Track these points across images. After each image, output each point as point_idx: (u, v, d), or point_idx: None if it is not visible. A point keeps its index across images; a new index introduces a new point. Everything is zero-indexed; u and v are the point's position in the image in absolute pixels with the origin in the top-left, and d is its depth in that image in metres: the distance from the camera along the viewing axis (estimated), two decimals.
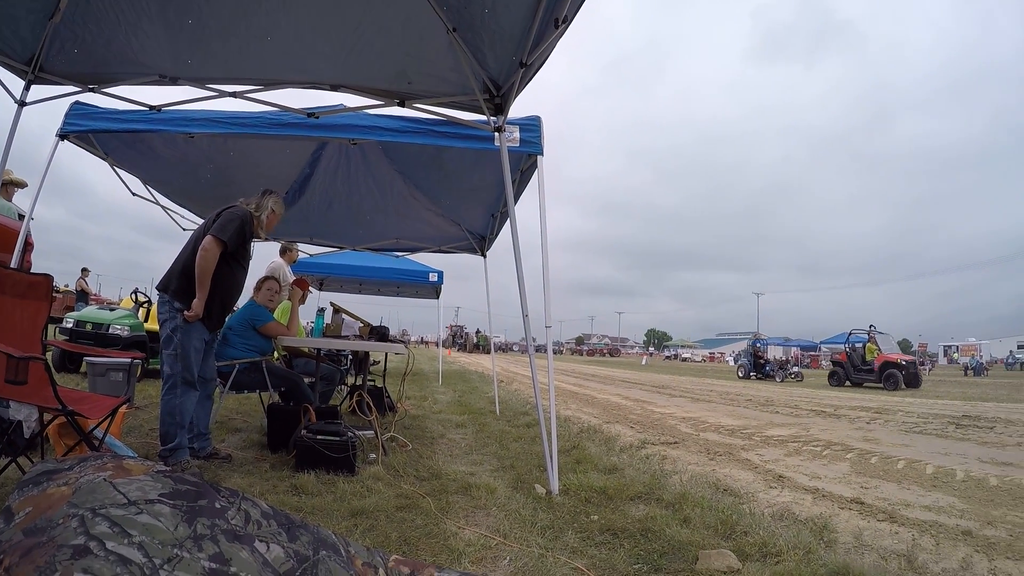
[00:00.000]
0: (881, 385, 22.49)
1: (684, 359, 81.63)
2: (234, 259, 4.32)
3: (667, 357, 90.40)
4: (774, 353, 37.37)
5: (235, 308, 5.44)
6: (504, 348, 77.40)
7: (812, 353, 62.41)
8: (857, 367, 24.09)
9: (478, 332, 63.63)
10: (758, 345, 33.48)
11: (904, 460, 6.38)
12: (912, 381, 22.30)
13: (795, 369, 31.54)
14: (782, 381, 28.16)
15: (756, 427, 9.10)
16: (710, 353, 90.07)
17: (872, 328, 25.30)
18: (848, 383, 24.12)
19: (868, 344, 24.41)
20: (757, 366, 30.92)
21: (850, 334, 25.97)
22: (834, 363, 26.26)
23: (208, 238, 4.09)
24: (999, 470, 5.97)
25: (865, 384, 23.60)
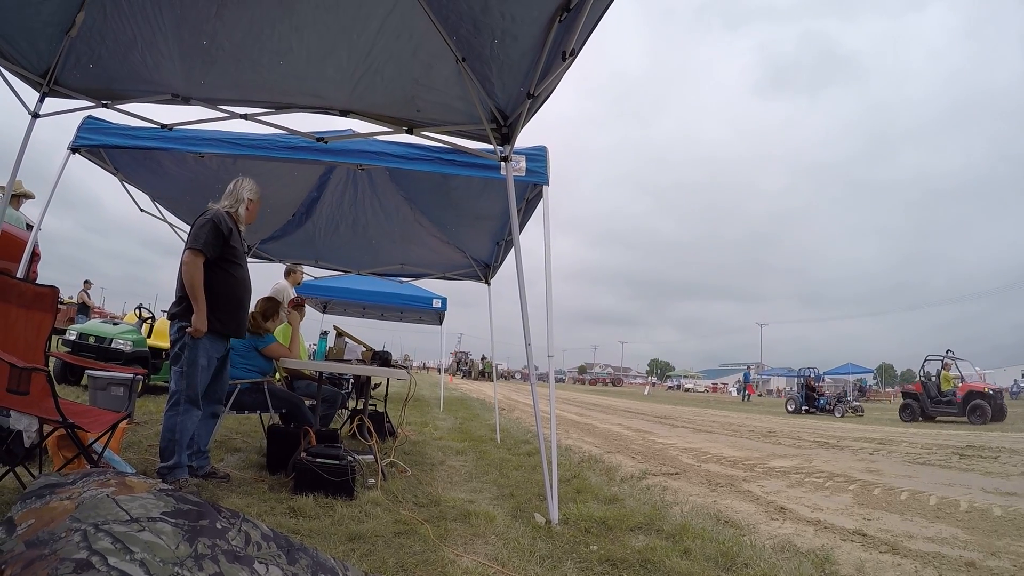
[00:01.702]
0: (964, 419, 19.47)
1: (687, 389, 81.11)
2: (226, 261, 4.28)
3: (670, 387, 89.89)
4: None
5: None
6: (506, 376, 76.90)
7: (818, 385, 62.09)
8: (934, 398, 20.98)
9: (484, 359, 62.14)
10: (811, 375, 29.56)
11: (907, 491, 6.33)
12: (998, 414, 19.46)
13: (855, 402, 27.88)
14: (842, 416, 24.62)
15: (758, 458, 9.04)
16: (712, 383, 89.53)
17: (949, 353, 22.32)
18: (921, 417, 20.97)
19: (943, 372, 21.41)
20: (810, 399, 27.52)
21: (926, 360, 22.43)
22: (906, 395, 22.69)
23: (185, 253, 4.10)
24: (1003, 500, 5.93)
25: (942, 418, 20.71)
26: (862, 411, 26.49)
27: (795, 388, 30.86)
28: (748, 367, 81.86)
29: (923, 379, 22.01)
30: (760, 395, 60.08)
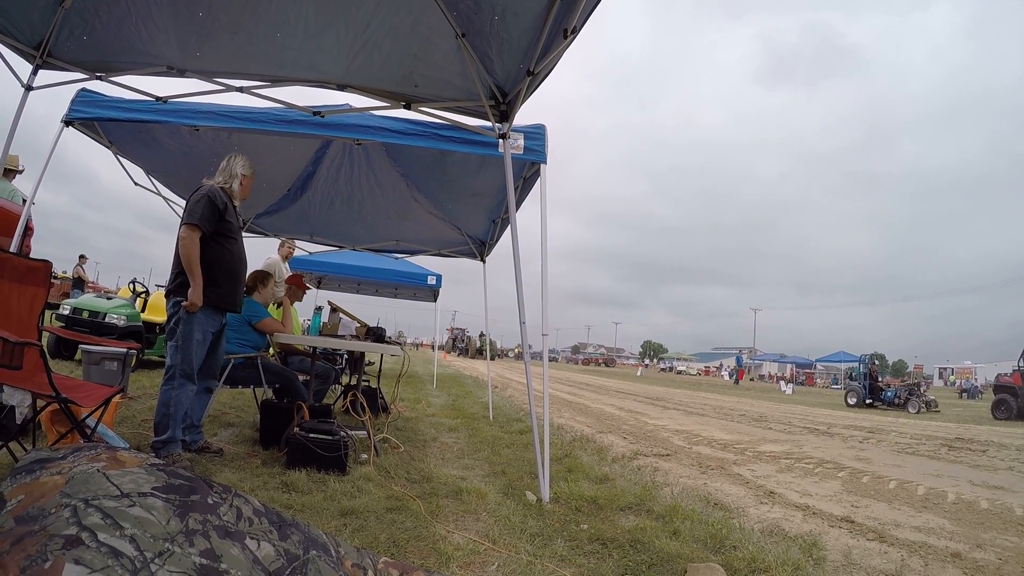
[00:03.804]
0: None
1: (679, 372, 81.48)
2: (221, 235, 4.29)
3: (662, 369, 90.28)
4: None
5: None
6: (500, 354, 76.83)
7: (807, 370, 62.52)
8: None
9: (482, 336, 60.47)
10: (875, 363, 26.15)
11: (895, 480, 6.39)
12: None
13: (929, 396, 23.85)
14: (917, 412, 21.13)
15: (749, 442, 9.10)
16: (705, 367, 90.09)
17: None
18: (1016, 415, 18.75)
19: None
20: (874, 391, 24.10)
21: None
22: (1000, 389, 20.21)
23: (181, 228, 4.11)
24: (990, 493, 5.99)
25: None
26: (937, 406, 23.21)
27: (855, 380, 26.80)
28: (741, 351, 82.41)
29: (1022, 369, 19.61)
30: (752, 379, 60.51)
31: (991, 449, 9.81)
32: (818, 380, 58.17)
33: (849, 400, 24.85)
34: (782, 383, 44.06)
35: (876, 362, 26.45)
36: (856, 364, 26.14)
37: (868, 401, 23.84)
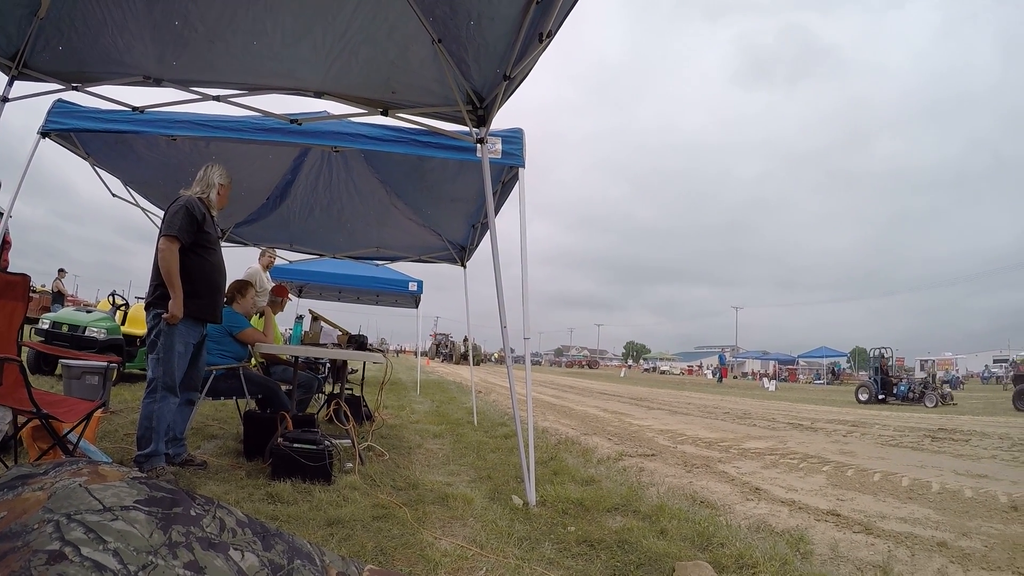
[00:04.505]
0: None
1: (663, 372, 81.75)
2: (200, 246, 4.27)
3: (646, 370, 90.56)
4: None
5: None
6: (484, 359, 76.66)
7: (790, 367, 63.07)
8: None
9: (466, 340, 59.37)
10: (885, 356, 24.47)
11: (880, 473, 6.45)
12: None
13: (947, 389, 22.89)
14: (935, 406, 20.13)
15: (733, 440, 9.15)
16: (688, 366, 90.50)
17: None
18: None
19: None
20: (886, 386, 22.89)
21: None
22: (1020, 378, 19.72)
23: (160, 240, 4.09)
24: (974, 482, 6.06)
25: None
26: (953, 399, 22.18)
27: (869, 375, 25.43)
28: (723, 350, 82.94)
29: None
30: (735, 377, 60.93)
31: (974, 439, 9.93)
32: (801, 376, 58.62)
33: (860, 396, 23.43)
34: (765, 380, 44.42)
35: (887, 355, 24.56)
36: (839, 359, 25.65)
37: (880, 397, 22.65)
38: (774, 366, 62.80)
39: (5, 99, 4.64)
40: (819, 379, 51.90)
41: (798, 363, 65.49)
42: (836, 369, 53.74)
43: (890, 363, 24.25)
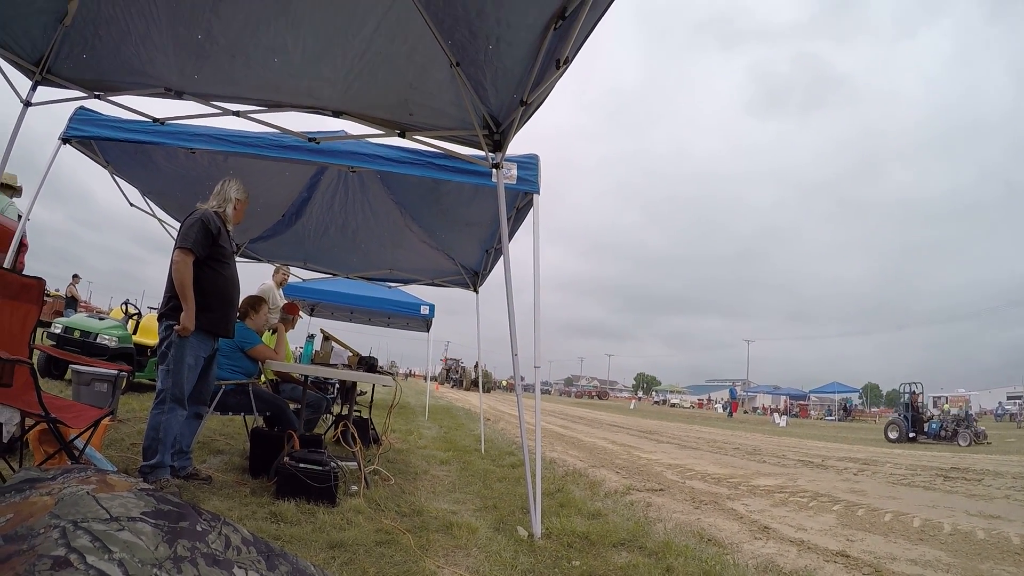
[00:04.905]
0: None
1: (672, 404, 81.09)
2: (214, 260, 4.30)
3: (656, 402, 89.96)
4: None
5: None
6: (494, 385, 76.23)
7: (801, 402, 62.51)
8: None
9: (476, 367, 58.13)
10: (916, 392, 23.72)
11: (891, 512, 6.34)
12: None
13: (980, 427, 21.76)
14: (968, 444, 19.61)
15: (743, 476, 9.04)
16: (699, 399, 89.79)
17: None
18: None
19: None
20: (917, 423, 22.16)
21: None
22: None
23: (175, 252, 4.12)
24: (987, 523, 5.96)
25: None
26: (987, 437, 21.23)
27: (898, 412, 24.44)
28: (734, 383, 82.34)
29: None
30: (746, 412, 60.39)
31: (987, 478, 9.78)
32: (812, 412, 58.04)
33: (890, 434, 22.69)
34: (776, 415, 43.97)
35: (917, 391, 23.73)
36: (850, 394, 24.92)
37: (911, 435, 21.88)
38: (785, 401, 62.21)
39: (28, 104, 4.72)
40: (830, 415, 51.40)
41: (809, 398, 64.94)
42: (848, 405, 53.17)
43: (921, 399, 23.58)
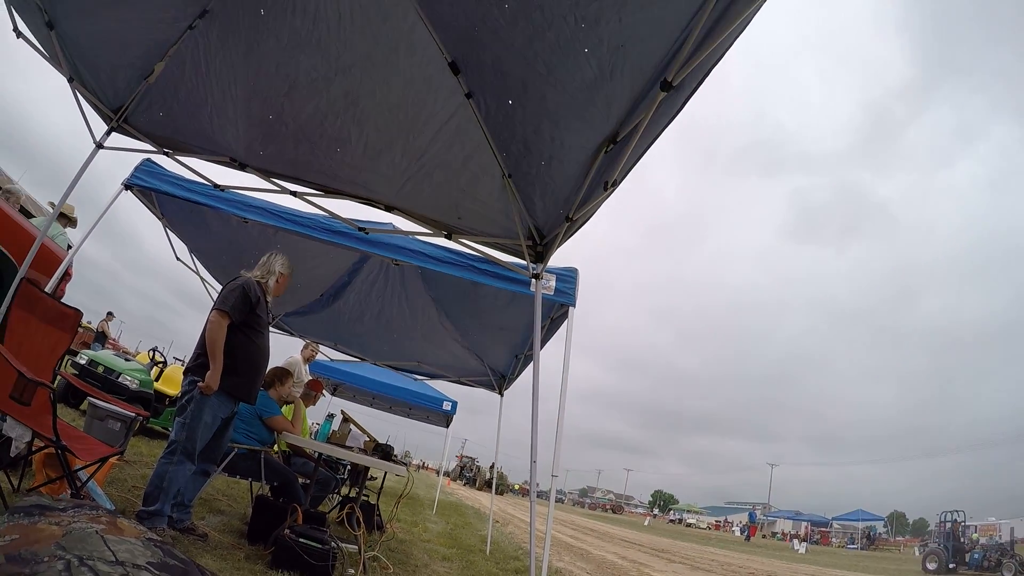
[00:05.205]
0: None
1: (689, 524, 77.90)
2: (249, 327, 4.40)
3: (671, 520, 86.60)
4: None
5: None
6: (506, 489, 74.31)
7: (823, 529, 59.75)
8: None
9: (492, 467, 56.50)
10: (958, 520, 22.70)
11: None
12: None
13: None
14: (1014, 575, 18.68)
15: None
16: (716, 521, 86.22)
17: None
18: None
19: None
20: (958, 553, 21.13)
21: None
22: None
23: (212, 312, 4.25)
24: None
25: None
26: None
27: (938, 541, 23.13)
28: (754, 507, 79.24)
29: None
30: (764, 536, 57.92)
31: None
32: (834, 539, 55.41)
33: (929, 565, 21.41)
34: (795, 541, 42.14)
35: (959, 519, 22.50)
36: (875, 522, 23.36)
37: (951, 566, 20.48)
38: (806, 527, 59.58)
39: (100, 146, 5.00)
40: (853, 543, 49.17)
41: (832, 525, 62.20)
42: (872, 533, 50.74)
43: (963, 529, 22.24)
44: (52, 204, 7.10)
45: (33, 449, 3.57)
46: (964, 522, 22.95)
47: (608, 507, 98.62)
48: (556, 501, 4.78)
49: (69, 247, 6.30)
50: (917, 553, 40.18)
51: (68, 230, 6.99)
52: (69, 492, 3.23)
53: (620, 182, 3.59)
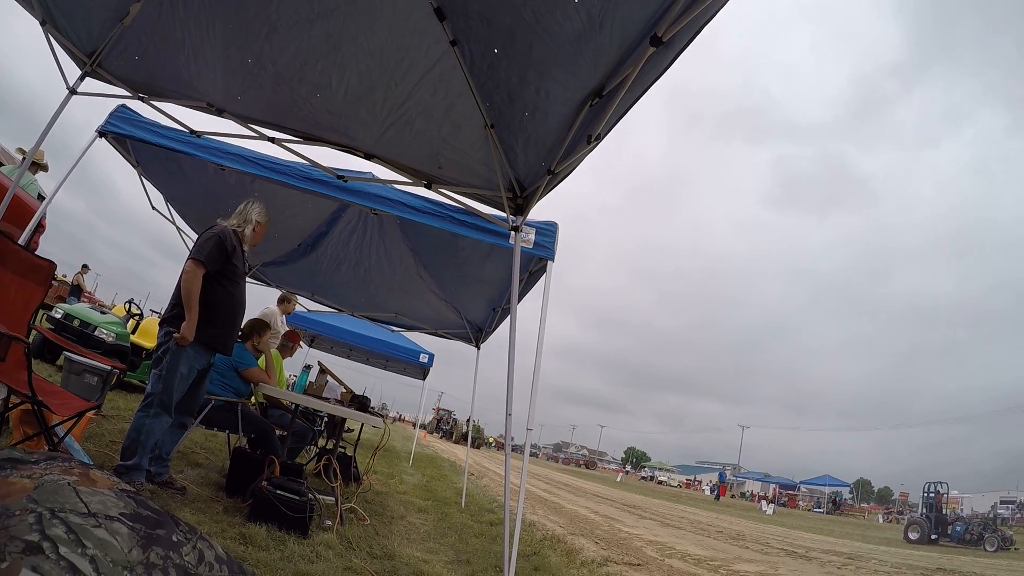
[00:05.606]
0: None
1: (660, 482, 79.66)
2: (225, 277, 4.34)
3: (643, 477, 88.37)
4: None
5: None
6: (482, 442, 75.15)
7: (791, 492, 61.48)
8: None
9: (469, 421, 57.15)
10: (941, 492, 22.87)
11: None
12: None
13: (1008, 532, 20.75)
14: (995, 550, 18.63)
15: (723, 560, 8.89)
16: (687, 479, 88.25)
17: None
18: None
19: None
20: (940, 524, 21.19)
21: None
22: None
23: (187, 261, 4.17)
24: None
25: None
26: (1014, 542, 20.13)
27: (920, 513, 23.28)
28: (724, 467, 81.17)
29: None
30: (733, 496, 59.45)
31: None
32: (801, 503, 57.08)
33: (910, 535, 21.40)
34: (763, 503, 43.27)
35: (943, 491, 22.76)
36: (841, 488, 24.12)
37: (933, 537, 20.75)
38: (774, 489, 61.24)
39: (74, 92, 4.83)
40: (819, 507, 50.68)
41: (799, 489, 64.01)
42: (837, 499, 52.34)
43: (946, 500, 22.72)
44: (22, 151, 6.88)
45: (9, 406, 3.50)
46: (947, 494, 23.40)
47: (581, 462, 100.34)
48: (531, 455, 4.81)
49: (41, 196, 6.11)
50: (881, 520, 41.39)
51: (40, 175, 6.79)
52: (47, 449, 3.18)
53: (604, 136, 3.56)
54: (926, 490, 24.23)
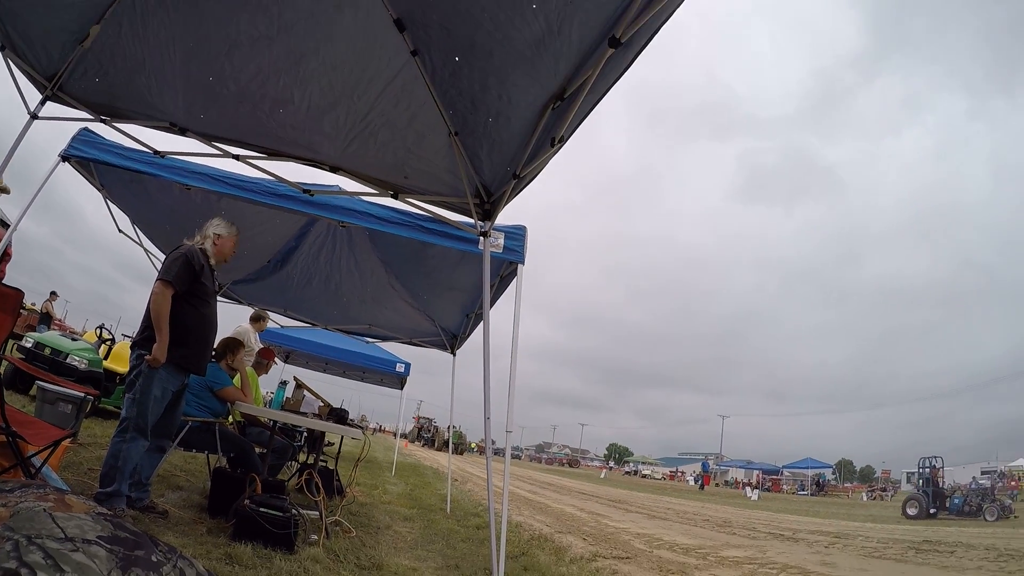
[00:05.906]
0: None
1: (644, 475, 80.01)
2: (195, 296, 4.32)
3: (627, 472, 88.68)
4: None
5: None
6: (464, 448, 74.90)
7: (774, 477, 62.12)
8: None
9: (450, 428, 56.56)
10: (936, 466, 22.84)
11: None
12: None
13: (1007, 501, 20.65)
14: (996, 519, 18.62)
15: (711, 547, 8.98)
16: (671, 471, 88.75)
17: None
18: None
19: None
20: (939, 498, 21.12)
21: None
22: None
23: (156, 283, 4.16)
24: None
25: None
26: (1013, 511, 19.95)
27: (918, 487, 23.34)
28: (707, 457, 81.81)
29: None
30: (717, 485, 59.98)
31: (959, 550, 9.74)
32: (785, 486, 57.70)
33: (909, 511, 21.20)
34: (748, 489, 43.67)
35: (938, 465, 22.73)
36: (824, 470, 24.30)
37: (932, 511, 20.64)
38: (758, 475, 61.81)
39: (35, 116, 4.74)
40: (803, 490, 51.26)
41: (782, 473, 64.66)
42: (821, 480, 53.01)
43: (942, 474, 22.74)
44: None
45: None
46: (942, 468, 23.40)
47: (564, 461, 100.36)
48: (513, 457, 4.83)
49: (5, 225, 6.00)
50: (865, 498, 41.90)
51: (3, 199, 6.67)
52: (24, 479, 3.13)
53: (568, 138, 3.61)
54: (920, 465, 24.21)
